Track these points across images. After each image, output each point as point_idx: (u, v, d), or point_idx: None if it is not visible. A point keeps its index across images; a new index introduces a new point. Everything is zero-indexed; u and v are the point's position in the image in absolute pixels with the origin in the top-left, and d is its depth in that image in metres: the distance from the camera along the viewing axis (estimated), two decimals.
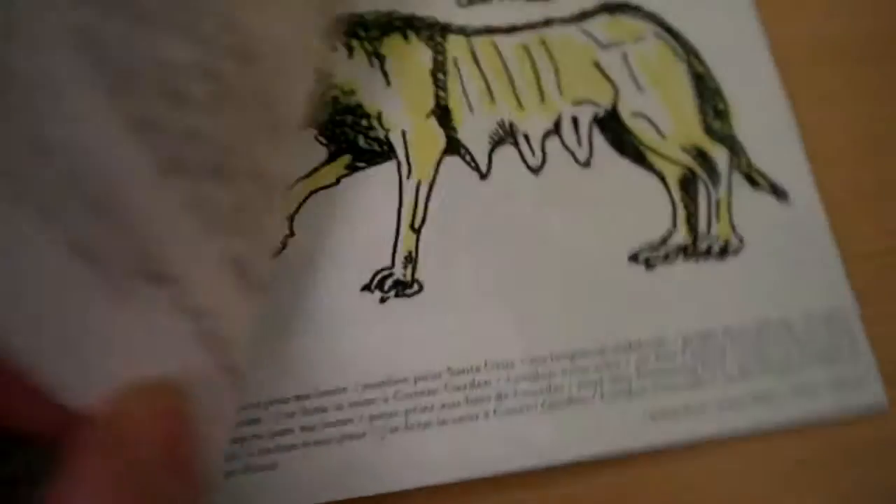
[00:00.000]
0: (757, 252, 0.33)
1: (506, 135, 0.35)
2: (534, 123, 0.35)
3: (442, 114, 0.35)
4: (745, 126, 0.36)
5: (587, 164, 0.34)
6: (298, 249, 0.33)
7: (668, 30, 0.37)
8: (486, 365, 0.31)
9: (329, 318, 0.32)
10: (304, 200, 0.33)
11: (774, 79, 0.36)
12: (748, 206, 0.34)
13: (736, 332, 0.32)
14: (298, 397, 0.31)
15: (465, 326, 0.32)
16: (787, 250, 0.33)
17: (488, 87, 0.35)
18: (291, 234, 0.33)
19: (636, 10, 0.37)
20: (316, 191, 0.34)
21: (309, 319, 0.32)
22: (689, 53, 0.36)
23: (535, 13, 0.37)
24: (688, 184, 0.35)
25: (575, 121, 0.35)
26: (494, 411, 0.31)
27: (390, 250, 0.33)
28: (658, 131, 0.35)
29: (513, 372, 0.31)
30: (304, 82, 0.26)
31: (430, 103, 0.35)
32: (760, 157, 0.35)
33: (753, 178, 0.35)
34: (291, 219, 0.33)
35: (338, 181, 0.34)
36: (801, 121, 0.36)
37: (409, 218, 0.33)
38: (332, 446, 0.30)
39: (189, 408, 0.21)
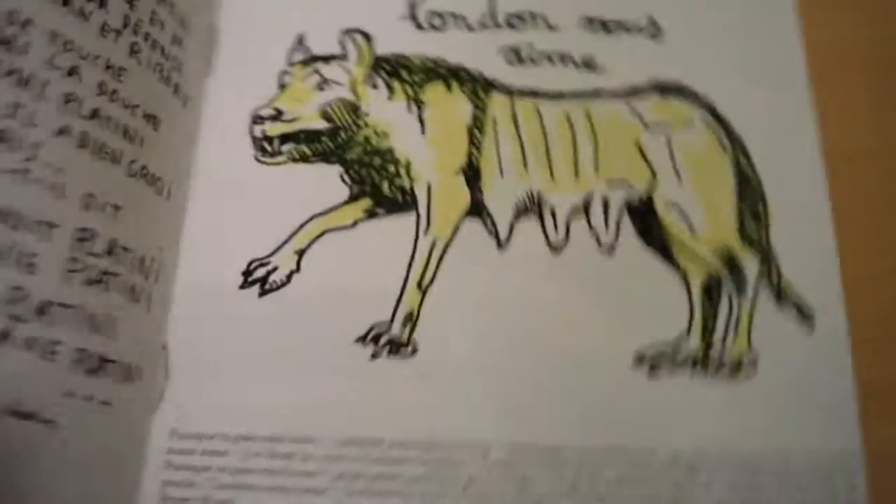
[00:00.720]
0: (769, 376, 0.32)
1: (532, 206, 0.34)
2: (563, 198, 0.34)
3: (472, 173, 0.34)
4: (781, 234, 0.34)
5: (610, 249, 0.33)
6: (301, 287, 0.32)
7: (718, 118, 0.35)
8: (463, 443, 0.30)
9: (316, 363, 0.31)
10: (317, 238, 0.33)
11: (822, 186, 0.35)
12: (770, 323, 0.33)
13: (730, 457, 0.31)
14: (269, 439, 0.30)
15: (452, 400, 0.31)
16: (801, 380, 0.32)
17: (523, 153, 0.34)
18: (297, 269, 0.32)
19: (688, 94, 0.36)
20: (330, 230, 0.33)
21: (295, 360, 0.31)
22: (735, 147, 0.35)
23: (585, 82, 0.36)
24: (711, 288, 0.33)
25: (606, 202, 0.34)
26: (463, 492, 0.30)
27: (392, 306, 0.32)
28: (690, 227, 0.34)
29: (489, 456, 0.30)
30: None
31: (462, 160, 0.34)
32: (792, 270, 0.34)
33: (781, 293, 0.33)
34: (300, 254, 0.33)
35: (354, 224, 0.33)
36: (841, 238, 0.34)
37: (418, 276, 0.32)
38: (292, 496, 0.30)
39: None
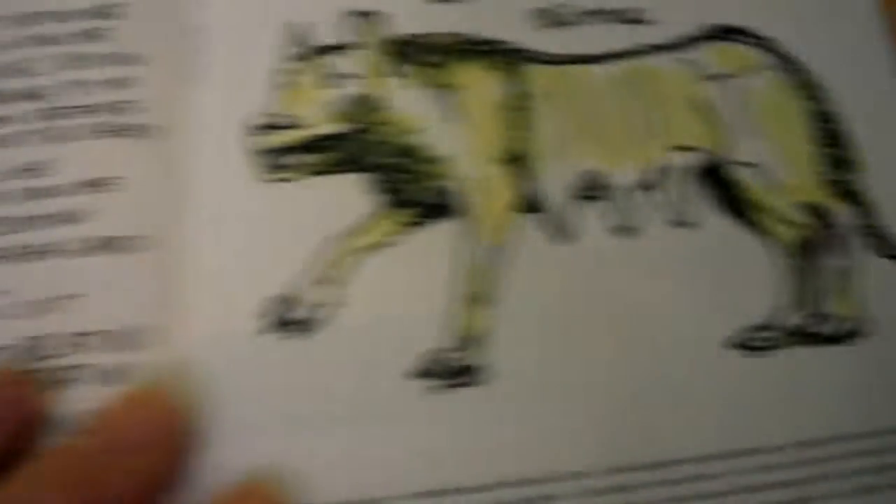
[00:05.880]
0: (888, 336, 0.28)
1: (590, 188, 0.29)
2: (626, 174, 0.29)
3: (516, 160, 0.29)
4: (877, 180, 0.30)
5: (686, 223, 0.29)
6: (336, 322, 0.28)
7: (788, 60, 0.31)
8: (557, 476, 0.26)
9: (367, 409, 0.27)
10: (348, 263, 0.28)
11: None
12: (876, 278, 0.28)
13: (861, 441, 0.27)
14: None
15: (537, 427, 0.27)
16: None
17: (573, 129, 0.30)
18: (329, 302, 0.28)
19: (750, 36, 0.31)
20: (361, 251, 0.29)
21: (342, 409, 0.27)
22: (812, 90, 0.30)
23: (634, 39, 0.31)
24: (806, 250, 0.29)
25: (674, 171, 0.29)
26: None
27: (448, 329, 0.28)
28: (772, 184, 0.29)
29: (587, 484, 0.26)
30: None
31: (503, 147, 0.29)
32: (893, 217, 0.29)
33: (885, 245, 0.29)
34: (330, 285, 0.28)
35: (389, 240, 0.29)
36: None
37: (474, 289, 0.28)
38: None
39: None
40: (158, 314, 0.28)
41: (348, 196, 0.29)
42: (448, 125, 0.30)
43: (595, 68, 0.30)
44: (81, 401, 0.26)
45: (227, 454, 0.26)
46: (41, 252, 0.28)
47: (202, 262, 0.28)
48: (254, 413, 0.26)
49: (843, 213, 0.30)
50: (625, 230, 0.29)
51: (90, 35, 0.31)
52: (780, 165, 0.30)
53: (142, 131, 0.29)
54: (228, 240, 0.28)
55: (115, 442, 0.25)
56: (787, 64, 0.31)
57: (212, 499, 0.25)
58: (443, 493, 0.26)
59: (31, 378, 0.26)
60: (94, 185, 0.29)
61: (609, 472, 0.27)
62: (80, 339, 0.27)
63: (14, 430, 0.25)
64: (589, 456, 0.27)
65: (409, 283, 0.28)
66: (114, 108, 0.30)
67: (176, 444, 0.26)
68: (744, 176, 0.30)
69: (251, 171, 0.29)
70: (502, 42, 0.31)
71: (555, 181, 0.29)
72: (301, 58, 0.31)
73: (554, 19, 0.31)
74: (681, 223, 0.29)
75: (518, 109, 0.30)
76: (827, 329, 0.28)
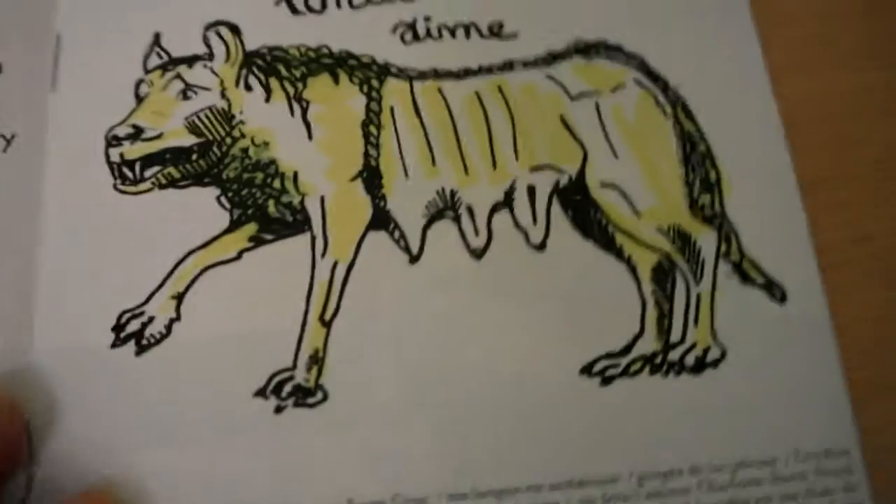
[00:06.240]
0: (741, 367, 0.27)
1: (446, 206, 0.29)
2: (481, 193, 0.29)
3: (371, 177, 0.29)
4: (739, 202, 0.29)
5: (542, 246, 0.28)
6: (184, 338, 0.27)
7: (653, 77, 0.30)
8: (394, 499, 0.26)
9: (211, 427, 0.26)
10: (197, 277, 0.28)
11: (781, 144, 0.30)
12: (735, 306, 0.28)
13: (706, 471, 0.26)
14: None
15: (376, 449, 0.26)
16: (778, 367, 0.27)
17: (429, 146, 0.29)
18: (178, 317, 0.27)
19: (615, 52, 0.31)
20: (212, 265, 0.28)
21: (185, 427, 0.26)
22: (676, 108, 0.30)
23: (493, 54, 0.30)
24: (663, 275, 0.28)
25: (531, 191, 0.29)
26: None
27: (293, 347, 0.27)
28: (632, 207, 0.29)
29: None
30: None
31: (358, 164, 0.29)
32: (756, 243, 0.29)
33: (745, 271, 0.28)
34: (180, 299, 0.28)
35: (239, 255, 0.28)
36: (807, 199, 0.29)
37: (320, 308, 0.27)
38: None
39: None
40: (8, 323, 0.27)
41: (202, 209, 0.28)
42: (302, 140, 0.29)
43: (454, 83, 0.30)
44: None
45: (74, 467, 0.26)
46: None
47: (55, 272, 0.27)
48: (104, 426, 0.26)
49: (704, 237, 0.29)
50: (476, 251, 0.28)
51: None
52: (642, 186, 0.29)
53: None
54: (82, 250, 0.28)
55: None
56: (654, 82, 0.30)
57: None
58: None
59: None
60: None
61: (449, 499, 0.26)
62: None
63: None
64: (428, 479, 0.26)
65: (257, 299, 0.28)
66: None
67: (12, 450, 0.25)
68: (605, 198, 0.29)
69: (107, 181, 0.29)
70: (362, 56, 0.30)
71: (408, 199, 0.29)
72: (160, 68, 0.30)
73: (416, 33, 0.31)
74: (537, 246, 0.29)
75: (374, 125, 0.29)
76: (680, 358, 0.27)
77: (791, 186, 0.29)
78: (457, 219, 0.29)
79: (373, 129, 0.29)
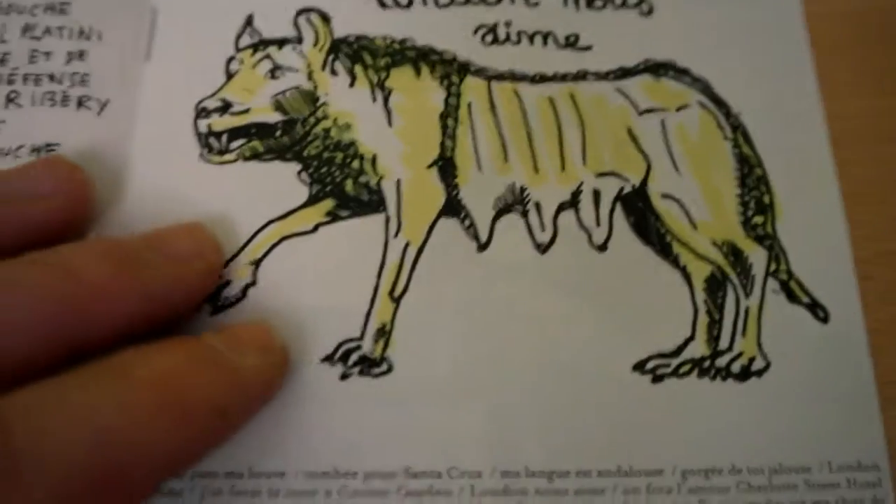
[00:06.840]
0: (783, 379, 0.29)
1: (515, 201, 0.30)
2: (549, 192, 0.30)
3: (445, 167, 0.30)
4: (789, 226, 0.31)
5: (603, 247, 0.30)
6: (258, 302, 0.28)
7: (716, 101, 0.32)
8: (449, 471, 0.27)
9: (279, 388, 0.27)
10: (275, 246, 0.29)
11: (831, 174, 0.31)
12: (780, 321, 0.30)
13: (744, 472, 0.27)
14: (229, 475, 0.26)
15: (434, 422, 0.27)
16: (817, 382, 0.29)
17: (503, 143, 0.31)
18: (254, 282, 0.29)
19: (683, 74, 0.32)
20: (289, 236, 0.29)
21: None
22: (736, 131, 0.31)
23: (569, 63, 0.32)
24: (715, 286, 0.30)
25: (597, 195, 0.30)
26: None
27: (362, 319, 0.28)
28: (690, 219, 0.30)
29: (479, 484, 0.27)
30: None
31: (434, 153, 0.30)
32: (802, 265, 0.30)
33: (791, 290, 0.30)
34: (257, 265, 0.29)
35: (315, 228, 0.29)
36: (854, 228, 0.31)
37: (390, 284, 0.29)
38: None
39: None
40: None
41: (283, 182, 0.30)
42: (382, 126, 0.31)
43: (530, 87, 0.31)
44: None
45: None
46: None
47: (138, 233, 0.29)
48: None
49: (755, 255, 0.30)
50: (541, 246, 0.30)
51: (52, 7, 0.32)
52: (700, 201, 0.31)
53: (92, 104, 0.30)
54: (167, 218, 0.29)
55: (162, 246, 0.26)
56: (717, 106, 0.32)
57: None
58: (340, 474, 0.27)
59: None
60: (40, 152, 0.29)
61: (502, 475, 0.27)
62: None
63: (66, 205, 0.26)
64: (482, 456, 0.27)
65: (331, 271, 0.29)
66: (69, 78, 0.30)
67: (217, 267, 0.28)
68: (665, 208, 0.31)
69: (194, 150, 0.30)
70: (444, 52, 0.32)
71: (480, 191, 0.30)
72: (251, 48, 0.32)
73: (497, 36, 0.32)
74: (599, 246, 0.30)
75: (452, 118, 0.31)
76: (727, 364, 0.29)
77: (838, 215, 0.31)
78: (524, 213, 0.30)
79: (450, 122, 0.31)
